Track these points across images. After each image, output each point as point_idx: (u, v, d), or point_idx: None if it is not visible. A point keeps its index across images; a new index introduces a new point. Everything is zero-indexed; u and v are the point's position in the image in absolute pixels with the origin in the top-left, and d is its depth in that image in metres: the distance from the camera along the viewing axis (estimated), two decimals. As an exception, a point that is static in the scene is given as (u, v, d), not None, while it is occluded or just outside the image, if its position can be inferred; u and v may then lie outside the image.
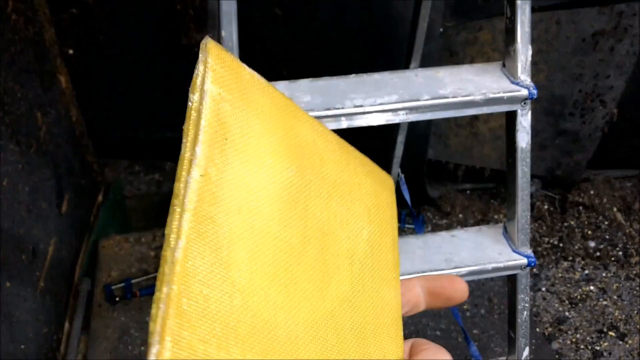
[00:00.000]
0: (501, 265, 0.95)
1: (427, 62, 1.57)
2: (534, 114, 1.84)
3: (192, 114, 0.34)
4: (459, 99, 0.85)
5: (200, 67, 0.35)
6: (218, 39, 0.81)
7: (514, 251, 0.96)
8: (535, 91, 0.87)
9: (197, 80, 0.35)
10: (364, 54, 1.74)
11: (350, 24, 1.70)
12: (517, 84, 0.88)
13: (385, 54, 1.72)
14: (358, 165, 0.47)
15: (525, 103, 0.88)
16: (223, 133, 0.34)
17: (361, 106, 0.84)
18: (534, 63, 1.78)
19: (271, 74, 1.00)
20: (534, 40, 1.74)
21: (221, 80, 0.36)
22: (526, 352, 1.02)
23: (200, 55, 0.36)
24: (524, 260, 0.95)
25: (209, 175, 0.33)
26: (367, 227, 0.46)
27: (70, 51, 1.79)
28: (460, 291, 0.41)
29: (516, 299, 0.99)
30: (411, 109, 0.85)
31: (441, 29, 1.65)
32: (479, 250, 0.96)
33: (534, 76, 1.81)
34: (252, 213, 0.35)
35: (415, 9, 1.23)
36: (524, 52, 0.86)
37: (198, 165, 0.32)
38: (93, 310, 1.71)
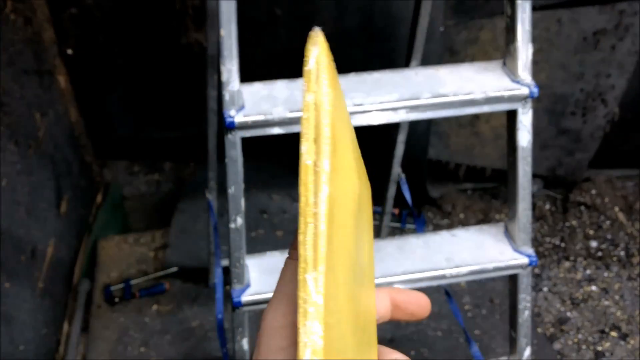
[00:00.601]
0: (502, 264, 0.94)
1: (428, 61, 1.56)
2: (535, 113, 1.83)
3: (310, 117, 0.32)
4: (460, 97, 0.85)
5: (312, 63, 0.33)
6: (217, 38, 0.80)
7: (515, 250, 0.95)
8: (536, 89, 0.86)
9: (312, 78, 0.33)
10: (364, 53, 1.73)
11: (350, 23, 1.70)
12: (518, 82, 0.87)
13: (386, 53, 1.71)
14: (362, 168, 0.46)
15: (526, 102, 0.87)
16: (334, 143, 0.33)
17: (361, 105, 0.83)
18: (535, 62, 1.77)
19: (272, 72, 0.99)
20: (534, 39, 1.73)
21: (333, 82, 0.34)
22: (527, 352, 1.01)
23: (312, 49, 0.34)
24: (525, 260, 0.94)
25: (330, 193, 0.31)
26: (367, 239, 0.46)
27: (70, 51, 1.78)
28: (423, 308, 0.42)
29: (517, 299, 0.98)
30: (412, 108, 0.84)
31: (442, 28, 1.64)
32: (480, 250, 0.95)
33: (535, 75, 1.80)
34: (344, 230, 0.34)
35: (415, 8, 1.22)
36: (524, 50, 0.86)
37: (327, 182, 0.31)
38: (92, 311, 1.70)
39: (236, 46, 0.79)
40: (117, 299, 1.70)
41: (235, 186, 0.83)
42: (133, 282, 1.74)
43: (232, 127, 0.79)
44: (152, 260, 1.83)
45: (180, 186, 2.08)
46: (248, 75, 0.90)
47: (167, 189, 2.12)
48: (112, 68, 1.89)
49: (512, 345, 1.02)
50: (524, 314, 0.98)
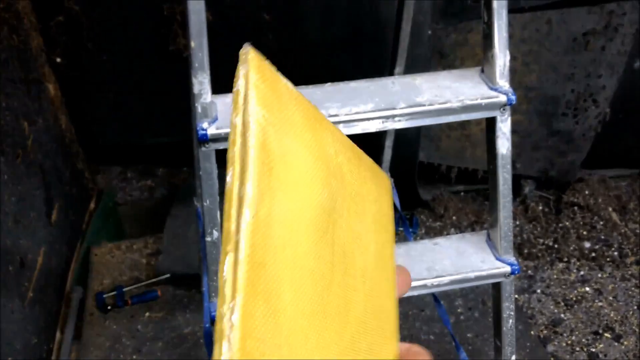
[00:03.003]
0: (484, 273, 0.93)
1: (417, 65, 1.55)
2: (527, 114, 1.83)
3: (236, 140, 0.31)
4: (436, 106, 0.84)
5: (240, 83, 0.31)
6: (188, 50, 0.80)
7: (497, 259, 0.95)
8: (514, 97, 0.85)
9: (239, 99, 0.31)
10: (351, 58, 1.73)
11: (337, 28, 1.69)
12: (496, 89, 0.86)
13: (373, 58, 1.71)
14: (366, 171, 0.45)
15: (504, 109, 0.86)
16: (268, 163, 0.31)
17: (336, 115, 0.83)
18: (525, 63, 1.76)
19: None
20: (524, 40, 1.73)
21: (264, 100, 0.32)
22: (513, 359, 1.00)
23: (240, 67, 0.32)
24: (507, 268, 0.93)
25: (259, 216, 0.30)
26: (374, 239, 0.44)
27: (58, 59, 1.78)
28: None
29: (501, 307, 0.97)
30: (387, 118, 0.83)
31: (430, 32, 1.63)
32: (462, 259, 0.95)
33: (525, 76, 1.80)
34: (293, 249, 0.33)
35: (398, 11, 1.22)
36: (501, 57, 0.85)
37: (250, 206, 0.29)
38: (85, 319, 1.70)
39: (207, 58, 0.78)
40: (109, 307, 1.70)
41: (211, 199, 0.82)
42: (125, 289, 1.73)
43: (204, 139, 0.79)
44: (144, 267, 1.83)
45: (173, 192, 2.08)
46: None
47: (161, 195, 2.12)
48: (102, 74, 1.88)
49: (497, 353, 1.01)
50: (508, 323, 0.98)
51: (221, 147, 0.80)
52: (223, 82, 0.78)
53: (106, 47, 1.82)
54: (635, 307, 1.72)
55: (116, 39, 1.81)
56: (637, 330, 1.66)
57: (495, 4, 0.82)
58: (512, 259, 0.94)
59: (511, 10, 1.68)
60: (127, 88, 1.92)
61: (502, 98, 0.85)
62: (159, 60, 1.83)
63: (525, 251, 1.87)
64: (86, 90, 1.92)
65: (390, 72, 1.31)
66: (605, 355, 1.63)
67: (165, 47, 1.79)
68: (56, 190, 1.73)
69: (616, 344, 1.65)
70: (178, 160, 2.14)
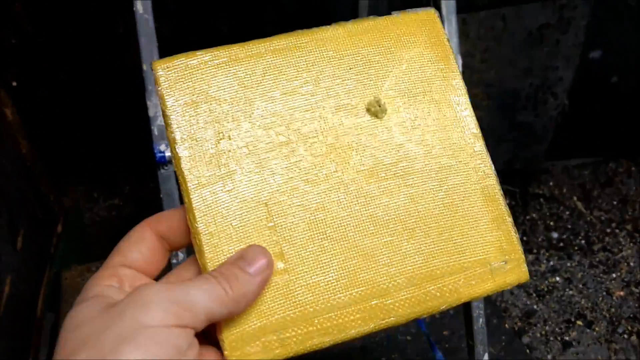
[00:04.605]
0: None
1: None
2: (488, 110, 1.85)
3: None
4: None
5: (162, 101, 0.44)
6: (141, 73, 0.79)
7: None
8: (468, 100, 0.86)
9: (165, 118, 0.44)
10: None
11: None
12: (451, 94, 0.87)
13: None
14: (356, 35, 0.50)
15: (460, 112, 0.87)
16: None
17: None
18: (483, 60, 1.79)
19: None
20: (481, 38, 1.75)
21: (174, 90, 0.43)
22: (485, 358, 1.02)
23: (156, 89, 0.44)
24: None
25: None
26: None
27: (14, 83, 1.75)
28: None
29: (471, 307, 0.98)
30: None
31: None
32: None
33: (485, 73, 1.82)
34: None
35: (352, 15, 1.22)
36: (454, 62, 0.86)
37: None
38: (58, 345, 1.67)
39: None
40: (82, 331, 1.67)
41: (173, 221, 0.81)
42: (97, 311, 1.71)
43: (162, 162, 0.78)
44: (116, 287, 1.80)
45: (141, 209, 2.05)
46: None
47: (129, 213, 2.09)
48: (60, 94, 1.85)
49: (470, 353, 1.02)
50: (479, 322, 0.99)
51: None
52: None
53: (62, 66, 1.79)
54: (605, 293, 1.75)
55: (72, 57, 1.78)
56: (607, 315, 1.70)
57: (444, 11, 0.83)
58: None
59: (466, 9, 1.70)
60: (87, 106, 1.89)
61: (458, 102, 0.86)
62: (116, 75, 1.81)
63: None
64: (45, 112, 1.88)
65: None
66: (578, 343, 1.66)
67: (122, 62, 1.77)
68: (20, 215, 1.70)
69: (588, 330, 1.68)
70: (144, 176, 2.12)
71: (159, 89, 0.43)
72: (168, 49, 0.79)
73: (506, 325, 1.70)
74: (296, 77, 0.46)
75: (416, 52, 0.48)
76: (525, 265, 0.47)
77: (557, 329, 1.70)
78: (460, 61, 0.87)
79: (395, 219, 0.45)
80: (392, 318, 0.43)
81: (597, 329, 1.68)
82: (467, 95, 0.50)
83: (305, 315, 0.41)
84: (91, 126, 1.95)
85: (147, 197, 2.10)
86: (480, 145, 0.48)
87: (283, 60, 0.46)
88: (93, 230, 2.05)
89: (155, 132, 0.78)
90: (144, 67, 0.76)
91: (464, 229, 0.46)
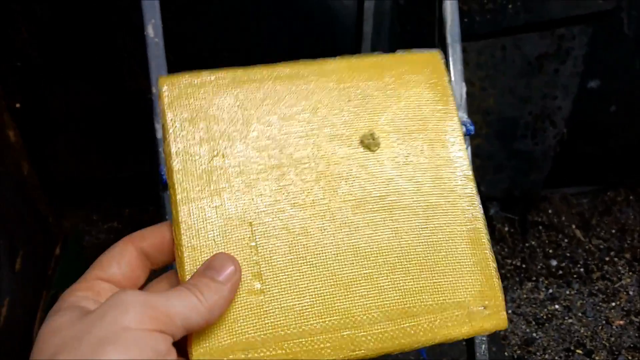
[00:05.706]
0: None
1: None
2: (487, 138, 1.87)
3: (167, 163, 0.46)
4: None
5: (159, 102, 0.46)
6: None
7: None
8: (472, 127, 0.87)
9: (161, 107, 0.45)
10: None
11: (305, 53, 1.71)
12: (455, 121, 0.88)
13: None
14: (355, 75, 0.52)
15: (464, 140, 0.88)
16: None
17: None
18: (483, 88, 1.81)
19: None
20: (481, 67, 1.77)
21: (175, 105, 0.45)
22: (488, 386, 1.01)
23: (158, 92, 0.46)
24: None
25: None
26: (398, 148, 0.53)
27: (18, 105, 1.76)
28: None
29: (473, 333, 0.98)
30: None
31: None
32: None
33: (484, 101, 1.84)
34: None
35: (355, 45, 1.24)
36: (458, 89, 0.87)
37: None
38: (54, 369, 1.65)
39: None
40: (78, 355, 1.65)
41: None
42: (94, 335, 1.69)
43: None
44: (113, 311, 1.79)
45: (140, 232, 2.05)
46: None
47: (128, 236, 2.09)
48: (63, 117, 1.86)
49: (472, 379, 1.01)
50: (481, 348, 0.98)
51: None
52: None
53: (66, 90, 1.81)
54: (604, 322, 1.75)
55: (75, 82, 1.80)
56: (607, 344, 1.69)
57: (449, 39, 0.85)
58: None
59: (466, 38, 1.73)
60: (89, 129, 1.90)
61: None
62: (119, 99, 1.83)
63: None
64: (47, 134, 1.89)
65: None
66: (578, 372, 1.65)
67: (126, 86, 1.79)
68: (19, 238, 1.70)
69: (588, 359, 1.67)
70: (144, 200, 2.12)
71: (161, 103, 0.44)
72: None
73: (505, 353, 1.70)
74: (295, 104, 0.47)
75: (416, 90, 0.49)
76: (504, 312, 0.46)
77: (556, 358, 1.69)
78: (464, 89, 0.88)
79: (377, 252, 0.45)
80: (363, 351, 0.43)
81: (597, 358, 1.67)
82: (462, 137, 0.51)
83: (275, 338, 0.41)
84: (92, 149, 1.96)
85: (146, 220, 2.09)
86: (471, 187, 0.49)
87: (284, 87, 0.47)
88: (92, 253, 2.05)
89: (162, 154, 0.78)
90: (154, 90, 0.77)
91: (446, 269, 0.46)
